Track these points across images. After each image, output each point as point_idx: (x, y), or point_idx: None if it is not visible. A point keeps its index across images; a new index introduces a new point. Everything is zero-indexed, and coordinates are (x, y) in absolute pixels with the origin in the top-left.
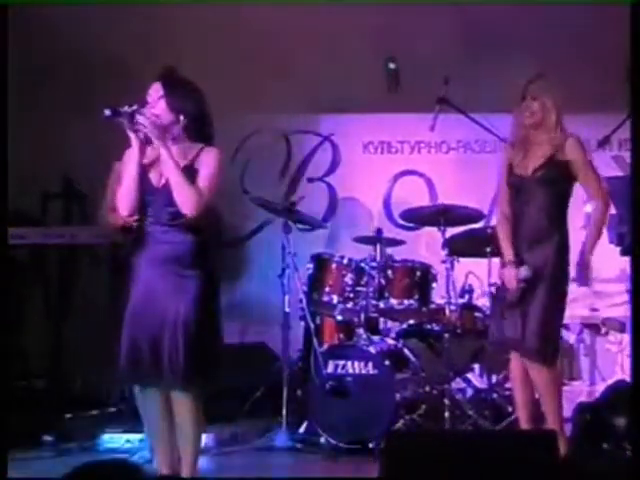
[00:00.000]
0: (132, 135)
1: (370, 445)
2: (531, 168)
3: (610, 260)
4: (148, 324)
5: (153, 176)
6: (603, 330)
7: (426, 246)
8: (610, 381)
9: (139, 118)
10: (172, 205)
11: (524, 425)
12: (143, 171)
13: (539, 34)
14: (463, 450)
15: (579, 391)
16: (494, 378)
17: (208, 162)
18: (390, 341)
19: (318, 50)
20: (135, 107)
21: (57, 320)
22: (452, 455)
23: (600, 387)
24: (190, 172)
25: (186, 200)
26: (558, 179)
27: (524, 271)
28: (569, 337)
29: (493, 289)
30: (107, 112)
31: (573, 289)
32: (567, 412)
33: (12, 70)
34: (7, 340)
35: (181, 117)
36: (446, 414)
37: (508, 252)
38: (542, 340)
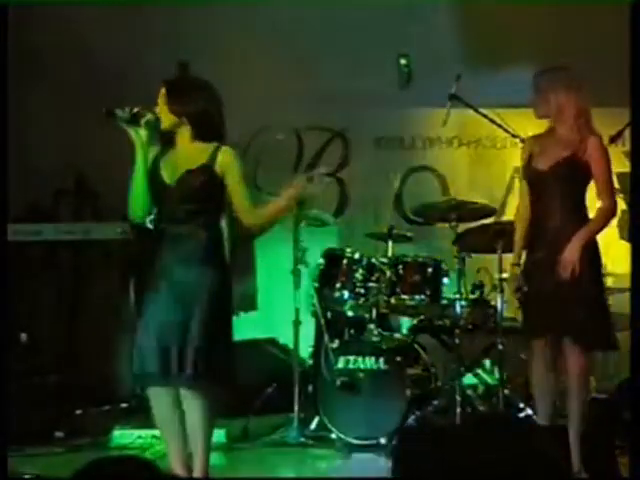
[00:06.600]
0: (132, 136)
1: (382, 441)
2: (549, 163)
3: (623, 256)
4: (162, 323)
5: (166, 174)
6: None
7: (437, 242)
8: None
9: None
10: (187, 202)
11: (545, 420)
12: (155, 170)
13: (551, 30)
14: (474, 445)
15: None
16: (505, 374)
17: (235, 171)
18: (401, 337)
19: (330, 46)
20: (137, 109)
21: (69, 316)
22: (463, 451)
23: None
24: (208, 172)
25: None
26: (575, 177)
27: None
28: None
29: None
30: (103, 111)
31: None
32: None
33: (21, 69)
34: (19, 336)
35: (183, 119)
36: (457, 410)
37: (515, 253)
38: (595, 325)
